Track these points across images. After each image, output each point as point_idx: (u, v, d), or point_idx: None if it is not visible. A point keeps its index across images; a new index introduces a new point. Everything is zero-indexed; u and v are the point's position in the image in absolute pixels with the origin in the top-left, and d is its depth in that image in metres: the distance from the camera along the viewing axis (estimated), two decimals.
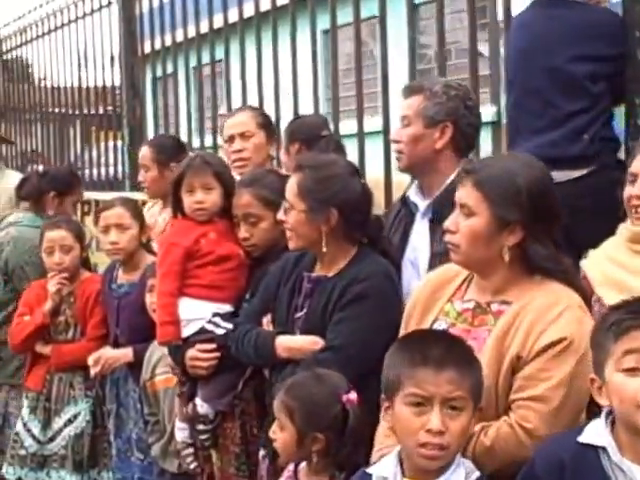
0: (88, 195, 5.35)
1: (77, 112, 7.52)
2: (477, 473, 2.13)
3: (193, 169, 3.34)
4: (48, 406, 4.17)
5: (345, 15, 4.46)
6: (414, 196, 3.04)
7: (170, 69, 6.10)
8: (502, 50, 3.75)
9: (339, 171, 2.91)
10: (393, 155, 3.83)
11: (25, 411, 4.23)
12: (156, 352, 3.69)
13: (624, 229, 2.59)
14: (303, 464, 2.56)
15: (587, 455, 1.97)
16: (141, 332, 3.80)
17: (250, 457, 3.20)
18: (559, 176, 2.78)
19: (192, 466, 3.46)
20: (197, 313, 3.27)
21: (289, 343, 2.88)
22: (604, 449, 1.96)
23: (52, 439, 4.16)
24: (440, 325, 2.40)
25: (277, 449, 2.56)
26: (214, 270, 3.28)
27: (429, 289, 2.51)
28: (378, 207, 3.30)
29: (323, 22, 4.64)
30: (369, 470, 2.23)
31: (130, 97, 6.41)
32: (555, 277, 2.33)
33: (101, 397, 4.12)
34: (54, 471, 4.14)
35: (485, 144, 3.69)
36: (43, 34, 7.82)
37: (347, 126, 4.64)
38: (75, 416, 4.15)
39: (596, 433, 1.98)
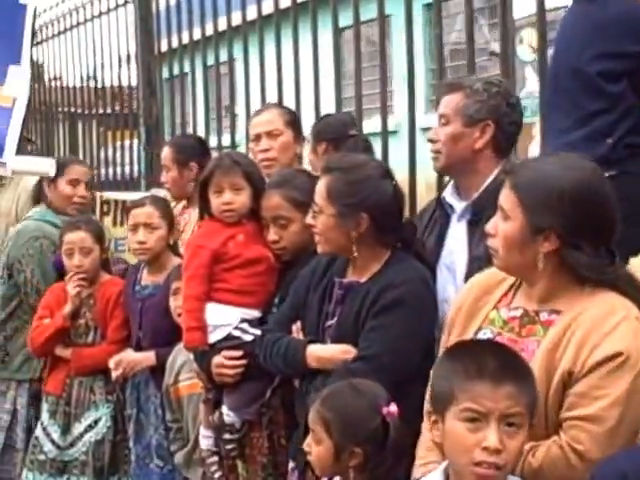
0: (107, 195, 5.29)
1: (93, 112, 7.46)
2: None
3: (222, 169, 3.24)
4: (68, 410, 4.11)
5: (363, 13, 4.35)
6: (450, 197, 2.93)
7: (187, 68, 6.02)
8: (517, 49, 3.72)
9: (370, 173, 2.80)
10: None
11: (45, 415, 4.17)
12: (180, 356, 3.61)
13: None
14: (337, 479, 2.43)
15: None
16: (164, 335, 3.73)
17: (277, 468, 3.12)
18: None
19: (216, 475, 3.37)
20: (224, 319, 3.18)
21: (320, 353, 2.78)
22: None
23: (72, 444, 4.09)
24: (485, 334, 2.27)
25: (312, 463, 2.43)
26: (242, 274, 3.19)
27: (474, 294, 2.37)
28: None
29: (345, 19, 4.55)
30: None
31: (146, 96, 6.31)
32: (606, 287, 2.18)
33: (122, 401, 4.05)
34: (74, 477, 4.07)
35: None
36: (59, 32, 7.76)
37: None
38: (96, 422, 4.08)
39: None
